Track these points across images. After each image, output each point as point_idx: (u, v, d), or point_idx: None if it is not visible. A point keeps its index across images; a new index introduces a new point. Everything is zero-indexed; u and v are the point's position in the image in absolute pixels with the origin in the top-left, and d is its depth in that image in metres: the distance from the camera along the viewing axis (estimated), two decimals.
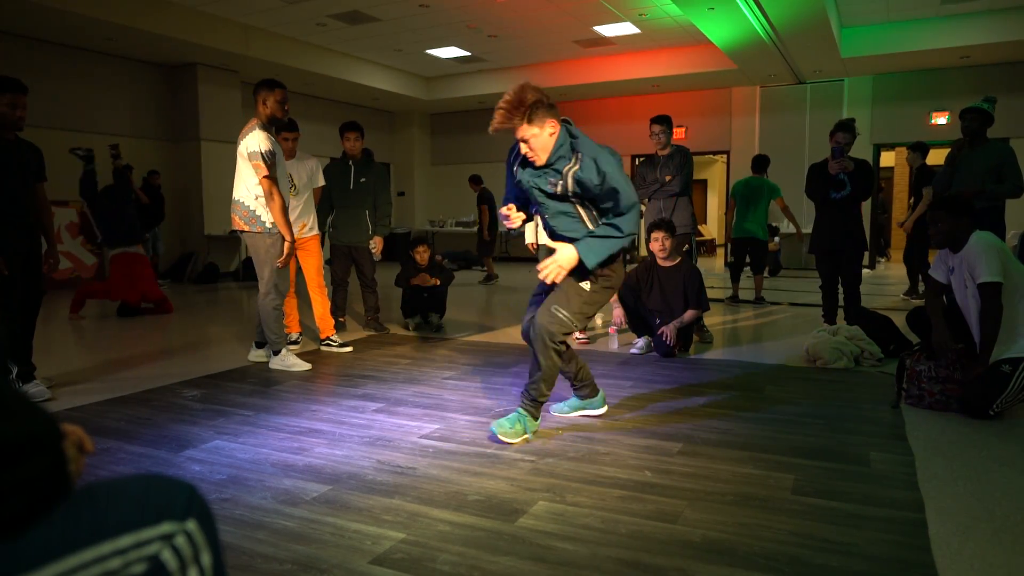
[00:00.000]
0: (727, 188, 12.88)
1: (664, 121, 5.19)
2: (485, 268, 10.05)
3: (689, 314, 4.55)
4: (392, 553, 1.91)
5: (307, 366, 4.23)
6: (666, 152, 5.20)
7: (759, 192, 7.16)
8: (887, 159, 15.33)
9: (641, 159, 5.33)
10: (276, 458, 2.68)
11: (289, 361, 4.23)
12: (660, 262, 4.67)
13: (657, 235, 4.60)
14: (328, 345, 4.87)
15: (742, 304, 7.17)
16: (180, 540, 0.88)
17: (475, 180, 10.33)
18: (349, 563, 1.86)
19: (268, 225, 4.05)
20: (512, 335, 5.41)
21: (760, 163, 7.38)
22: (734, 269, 7.44)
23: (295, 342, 4.99)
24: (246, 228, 4.12)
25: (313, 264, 4.90)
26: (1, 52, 8.20)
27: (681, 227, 5.07)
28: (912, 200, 7.83)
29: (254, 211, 4.08)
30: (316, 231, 4.99)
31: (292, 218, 4.82)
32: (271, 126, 4.13)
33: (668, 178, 5.13)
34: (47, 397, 3.58)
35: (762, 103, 12.03)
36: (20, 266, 3.59)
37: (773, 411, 3.28)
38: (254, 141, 3.98)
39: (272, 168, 4.00)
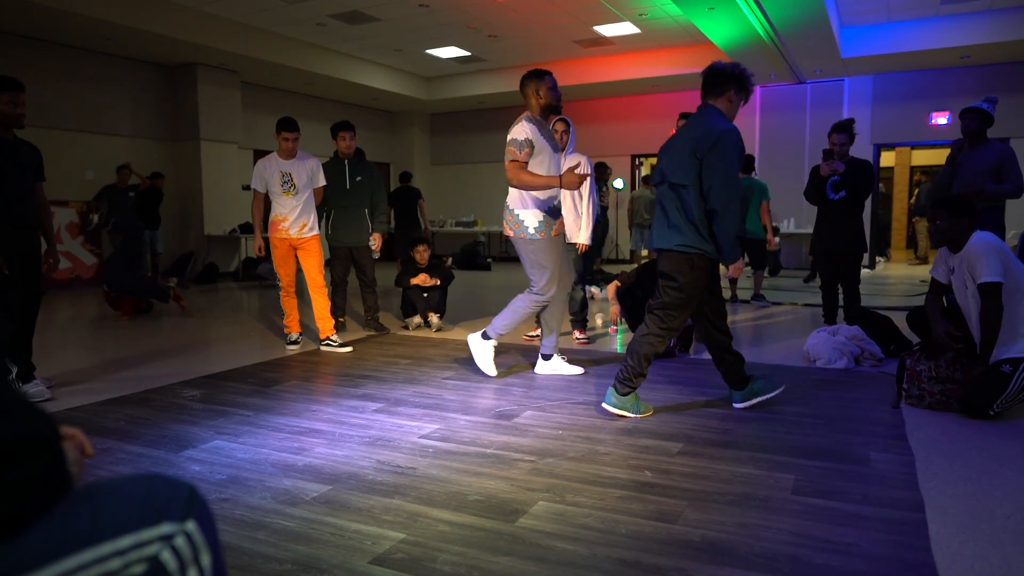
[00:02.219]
0: None
1: None
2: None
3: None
4: (392, 553, 1.91)
5: (580, 370, 4.10)
6: None
7: (749, 191, 7.21)
8: (887, 159, 15.33)
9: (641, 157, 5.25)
10: (276, 458, 2.68)
11: (560, 367, 4.11)
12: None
13: None
14: (328, 345, 4.87)
15: (741, 304, 7.17)
16: (180, 541, 0.88)
17: (401, 178, 10.09)
18: (349, 563, 1.86)
19: (531, 232, 3.83)
20: (512, 335, 5.41)
21: (746, 163, 7.42)
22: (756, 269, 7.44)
23: (295, 342, 4.98)
24: (511, 234, 3.94)
25: (313, 264, 4.89)
26: (1, 52, 8.20)
27: None
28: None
29: (519, 216, 3.86)
30: (316, 231, 4.98)
31: (292, 218, 4.82)
32: (547, 114, 3.90)
33: None
34: (47, 397, 3.58)
35: (762, 103, 12.03)
36: (19, 266, 3.59)
37: (773, 411, 3.28)
38: (513, 130, 3.80)
39: (528, 154, 3.75)
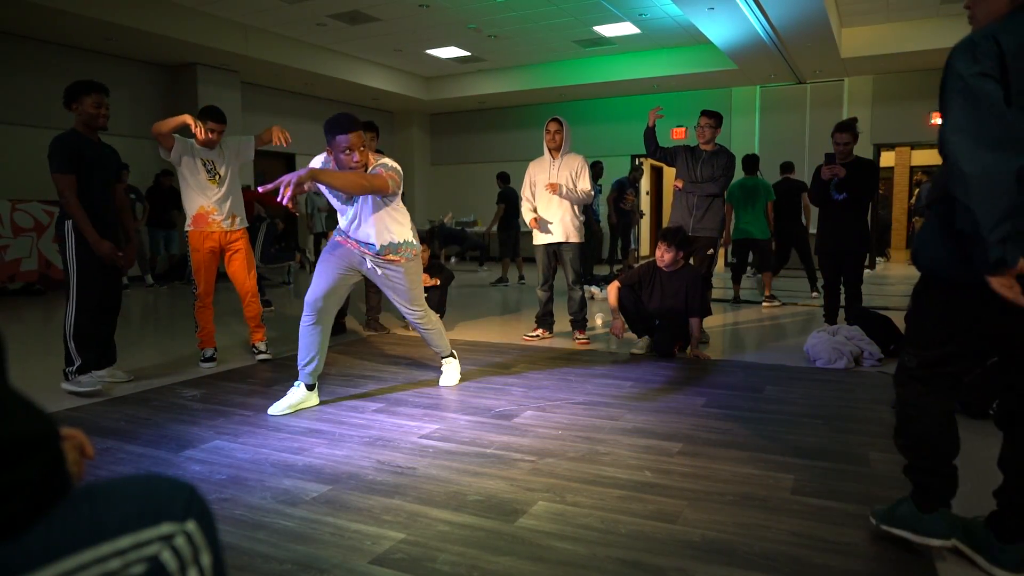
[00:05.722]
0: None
1: (715, 116, 5.01)
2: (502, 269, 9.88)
3: (695, 324, 4.55)
4: (392, 553, 1.91)
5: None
6: (710, 148, 5.00)
7: (755, 192, 7.21)
8: (887, 159, 15.32)
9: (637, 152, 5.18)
10: (276, 458, 2.68)
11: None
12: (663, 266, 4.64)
13: (661, 246, 4.55)
14: (257, 351, 4.59)
15: (744, 304, 7.16)
16: (180, 541, 0.88)
17: (502, 178, 10.18)
18: (349, 563, 1.86)
19: None
20: (512, 335, 5.41)
21: (752, 163, 7.43)
22: (735, 271, 7.46)
23: (212, 359, 4.40)
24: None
25: (243, 267, 4.45)
26: (1, 52, 8.20)
27: (710, 230, 4.95)
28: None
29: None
30: (246, 224, 4.50)
31: (220, 209, 4.35)
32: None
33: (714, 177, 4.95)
34: (128, 379, 3.84)
35: (762, 103, 12.02)
36: (103, 262, 3.76)
37: (773, 411, 3.28)
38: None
39: None
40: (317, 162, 3.32)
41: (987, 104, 1.61)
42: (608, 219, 10.14)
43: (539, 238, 5.04)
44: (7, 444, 0.77)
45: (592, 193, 4.97)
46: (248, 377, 4.09)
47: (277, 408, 3.34)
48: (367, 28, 9.79)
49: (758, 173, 7.43)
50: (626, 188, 10.01)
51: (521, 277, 9.76)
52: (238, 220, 4.43)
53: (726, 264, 11.26)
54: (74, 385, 3.68)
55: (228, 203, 4.38)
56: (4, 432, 0.77)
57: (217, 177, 4.36)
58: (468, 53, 11.28)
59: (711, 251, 5.06)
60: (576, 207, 4.96)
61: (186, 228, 4.37)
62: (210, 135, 4.28)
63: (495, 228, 9.64)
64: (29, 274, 8.33)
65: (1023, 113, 1.63)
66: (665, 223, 5.25)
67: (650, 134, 5.15)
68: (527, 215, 5.04)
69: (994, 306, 1.66)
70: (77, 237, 3.65)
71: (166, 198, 9.51)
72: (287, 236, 10.31)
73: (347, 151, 3.08)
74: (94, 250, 3.64)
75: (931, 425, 1.89)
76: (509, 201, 9.53)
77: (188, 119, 4.14)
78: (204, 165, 4.34)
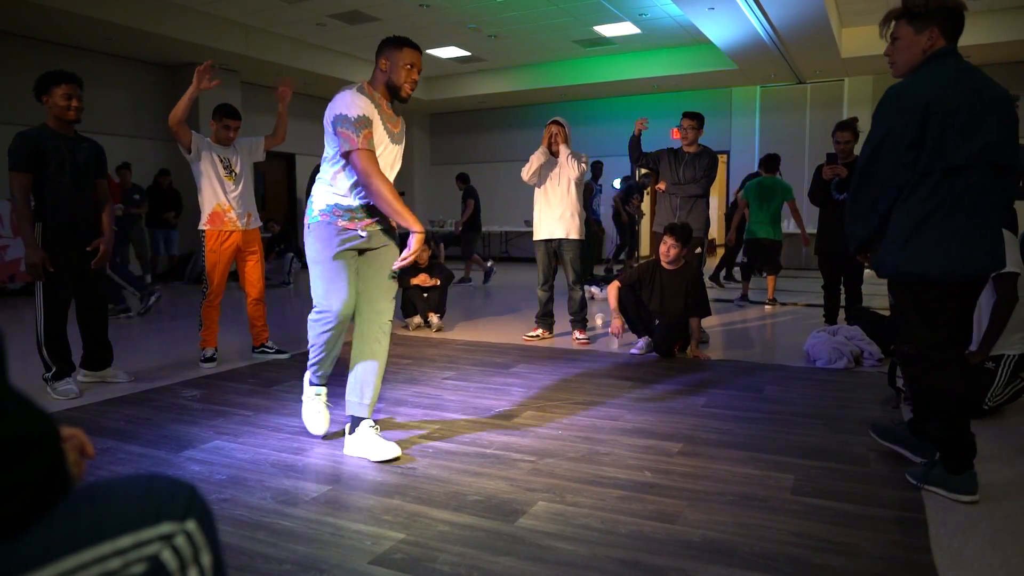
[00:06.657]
0: (727, 188, 12.87)
1: (697, 117, 5.05)
2: (463, 268, 9.89)
3: (695, 324, 4.55)
4: (392, 553, 1.91)
5: (394, 451, 2.70)
6: (693, 150, 5.05)
7: (773, 192, 7.06)
8: None
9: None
10: (276, 458, 2.68)
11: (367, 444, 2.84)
12: (664, 265, 4.65)
13: (668, 240, 4.56)
14: (265, 351, 4.65)
15: (748, 304, 7.15)
16: (180, 540, 0.88)
17: (462, 178, 10.28)
18: (349, 563, 1.86)
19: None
20: (512, 335, 5.40)
21: (772, 162, 7.23)
22: (746, 270, 7.40)
23: (212, 359, 4.40)
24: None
25: (259, 267, 4.55)
26: (1, 52, 8.20)
27: (696, 231, 5.00)
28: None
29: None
30: (260, 223, 4.58)
31: (236, 207, 4.35)
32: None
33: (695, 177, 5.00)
34: (75, 395, 3.61)
35: (762, 103, 12.02)
36: (77, 266, 3.64)
37: (773, 411, 3.28)
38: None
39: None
40: (358, 103, 2.61)
41: (886, 162, 2.18)
42: (619, 218, 10.22)
43: (540, 233, 5.03)
44: (7, 444, 0.77)
45: (585, 168, 4.97)
46: (248, 377, 4.09)
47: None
48: (367, 28, 9.79)
49: (778, 173, 7.31)
50: (633, 192, 10.06)
51: (468, 279, 9.71)
52: (252, 218, 4.45)
53: (736, 263, 11.28)
54: (50, 391, 3.61)
55: (243, 201, 4.38)
56: (4, 432, 0.77)
57: (233, 174, 4.35)
58: (468, 53, 11.28)
59: (699, 250, 5.09)
60: (579, 200, 4.95)
61: (201, 227, 4.33)
62: (215, 82, 4.08)
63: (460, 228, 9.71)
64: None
65: (932, 157, 2.13)
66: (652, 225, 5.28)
67: (635, 143, 5.20)
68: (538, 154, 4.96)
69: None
70: (43, 240, 3.52)
71: (165, 198, 9.52)
72: (285, 238, 10.31)
73: (410, 66, 2.67)
74: (25, 257, 3.47)
75: None
76: (475, 199, 9.65)
77: (195, 81, 3.95)
78: (221, 161, 4.32)
